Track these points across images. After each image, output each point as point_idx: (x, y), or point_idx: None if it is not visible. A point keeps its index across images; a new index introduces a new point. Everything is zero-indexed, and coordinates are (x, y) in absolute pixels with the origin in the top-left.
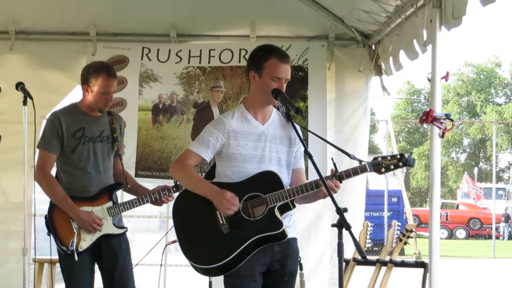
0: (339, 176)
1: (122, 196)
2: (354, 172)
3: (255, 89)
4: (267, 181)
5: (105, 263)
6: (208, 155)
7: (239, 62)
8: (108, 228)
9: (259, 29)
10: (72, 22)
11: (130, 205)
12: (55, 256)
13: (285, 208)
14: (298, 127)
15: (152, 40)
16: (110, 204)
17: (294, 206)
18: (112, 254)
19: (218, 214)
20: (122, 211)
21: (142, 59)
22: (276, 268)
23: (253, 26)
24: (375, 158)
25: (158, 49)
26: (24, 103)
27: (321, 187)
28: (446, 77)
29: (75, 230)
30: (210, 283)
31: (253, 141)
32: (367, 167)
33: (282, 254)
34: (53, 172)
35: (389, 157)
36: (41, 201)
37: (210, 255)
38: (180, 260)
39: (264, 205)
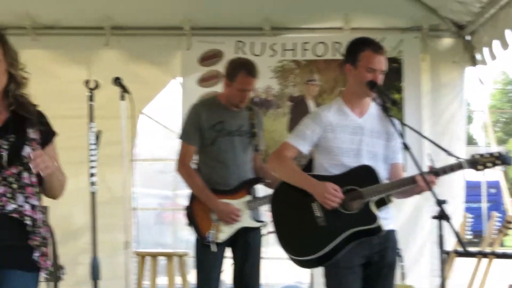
0: (436, 172)
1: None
2: (450, 169)
3: (352, 82)
4: (364, 175)
5: (238, 255)
6: (305, 148)
7: (333, 55)
8: (246, 221)
9: (353, 21)
10: (167, 17)
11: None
12: (158, 249)
13: (381, 203)
14: (396, 121)
15: (246, 34)
16: (249, 197)
17: (390, 201)
18: (246, 248)
19: (314, 206)
20: (261, 205)
21: (236, 53)
22: (375, 260)
23: (347, 18)
24: (472, 156)
25: (253, 43)
26: (122, 98)
27: (418, 182)
28: None
29: (214, 222)
30: (312, 275)
31: (350, 134)
32: (464, 164)
33: (381, 246)
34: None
35: (487, 155)
36: (142, 195)
37: (306, 247)
38: (280, 253)
39: (360, 199)
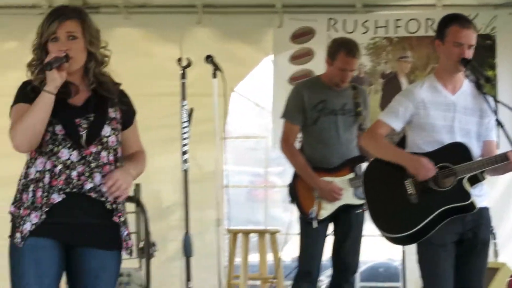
0: None
1: None
2: None
3: (442, 58)
4: (457, 152)
5: (339, 232)
6: (398, 125)
7: (426, 32)
8: (349, 198)
9: None
10: None
11: None
12: (249, 227)
13: (474, 180)
14: (490, 98)
15: (338, 11)
16: (352, 175)
17: (483, 178)
18: (348, 224)
19: (407, 183)
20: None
21: (328, 30)
22: (468, 237)
23: None
24: None
25: (345, 20)
26: (214, 75)
27: (511, 159)
28: None
29: (316, 199)
30: (404, 252)
31: (443, 111)
32: None
33: (474, 223)
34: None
35: None
36: (233, 172)
37: (399, 224)
38: (372, 230)
39: (453, 176)
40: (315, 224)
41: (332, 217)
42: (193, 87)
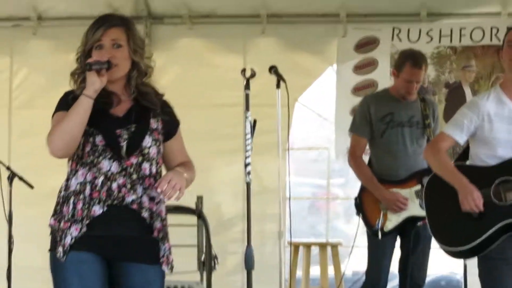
0: None
1: None
2: None
3: (506, 68)
4: None
5: (406, 243)
6: (462, 138)
7: (491, 40)
8: (415, 210)
9: (511, 5)
10: (323, 4)
11: None
12: (311, 239)
13: None
14: None
15: (402, 20)
16: (418, 187)
17: None
18: (415, 237)
19: None
20: None
21: (392, 39)
22: None
23: (505, 3)
24: None
25: (409, 29)
26: (278, 86)
27: None
28: None
29: (381, 211)
30: (465, 266)
31: (508, 124)
32: None
33: None
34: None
35: None
36: (295, 184)
37: (458, 237)
38: (433, 243)
39: None
40: (380, 236)
41: (399, 230)
42: (256, 98)
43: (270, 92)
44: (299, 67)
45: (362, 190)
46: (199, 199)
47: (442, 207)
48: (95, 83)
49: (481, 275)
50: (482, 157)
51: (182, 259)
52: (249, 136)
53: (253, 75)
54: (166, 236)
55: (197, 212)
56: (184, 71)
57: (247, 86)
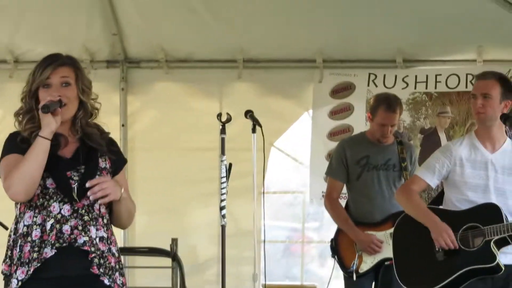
0: None
1: None
2: None
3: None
4: (489, 213)
5: (381, 286)
6: (434, 181)
7: (466, 87)
8: (390, 252)
9: (486, 53)
10: (299, 50)
11: None
12: (286, 282)
13: (503, 243)
14: None
15: (378, 66)
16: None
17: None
18: (389, 279)
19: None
20: None
21: (368, 85)
22: None
23: (480, 50)
24: None
25: (385, 75)
26: (253, 130)
27: None
28: None
29: (357, 253)
30: None
31: (478, 170)
32: None
33: (504, 281)
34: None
35: None
36: (270, 227)
37: (422, 280)
38: None
39: (482, 237)
40: (355, 278)
41: (374, 272)
42: (232, 142)
43: (246, 136)
44: (275, 112)
45: (338, 232)
46: (174, 241)
47: (409, 249)
48: (50, 124)
49: None
50: (453, 201)
51: None
52: (224, 179)
53: (229, 119)
54: (119, 272)
55: (172, 254)
56: (160, 115)
57: (223, 131)
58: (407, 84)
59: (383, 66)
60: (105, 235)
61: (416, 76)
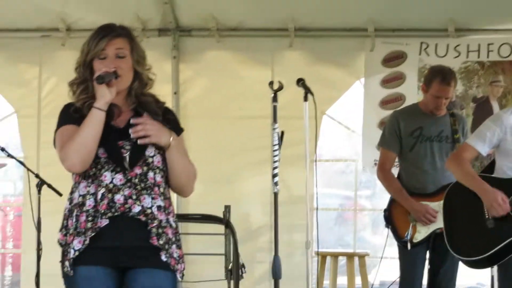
0: None
1: None
2: None
3: None
4: None
5: (435, 258)
6: (485, 149)
7: None
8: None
9: None
10: (351, 18)
11: None
12: (338, 250)
13: None
14: None
15: (430, 35)
16: None
17: None
18: (444, 249)
19: (485, 208)
20: None
21: (420, 54)
22: None
23: None
24: None
25: (436, 44)
26: (305, 99)
27: None
28: None
29: (410, 223)
30: (492, 277)
31: None
32: None
33: None
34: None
35: None
36: (323, 195)
37: (472, 247)
38: None
39: None
40: (409, 247)
41: (428, 242)
42: (284, 110)
43: (297, 105)
44: (327, 80)
45: (391, 202)
46: (227, 208)
47: (460, 217)
48: (105, 95)
49: (500, 285)
50: (505, 169)
51: (209, 268)
52: (276, 147)
53: (280, 87)
54: (176, 244)
55: (225, 221)
56: (211, 84)
57: (274, 99)
58: (459, 53)
59: (435, 35)
60: (162, 204)
61: (468, 45)
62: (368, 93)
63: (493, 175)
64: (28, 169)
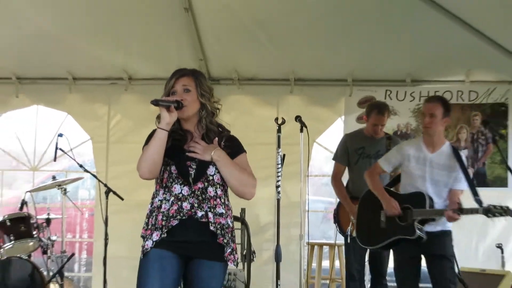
0: (460, 210)
1: None
2: (470, 211)
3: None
4: (417, 199)
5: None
6: (389, 169)
7: (457, 100)
8: None
9: (472, 75)
10: (335, 72)
11: None
12: (323, 241)
13: (424, 221)
14: (463, 157)
15: (393, 85)
16: None
17: (433, 220)
18: None
19: (382, 212)
20: None
21: (385, 98)
22: (425, 252)
23: (468, 73)
24: (488, 205)
25: (397, 91)
26: (301, 130)
27: (445, 216)
28: None
29: (351, 221)
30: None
31: (421, 165)
32: (479, 211)
33: (427, 242)
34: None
35: (498, 207)
36: (312, 201)
37: (368, 239)
38: None
39: (410, 216)
40: (349, 240)
41: None
42: (285, 139)
43: (295, 135)
44: (317, 117)
45: (339, 205)
46: (243, 210)
47: (366, 215)
48: (165, 118)
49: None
50: (405, 185)
51: None
52: (279, 166)
53: (283, 122)
54: (232, 240)
55: (241, 219)
56: (234, 118)
57: (279, 130)
58: (414, 98)
59: (396, 84)
60: (222, 211)
61: (420, 92)
62: (346, 126)
63: (392, 189)
64: (99, 181)
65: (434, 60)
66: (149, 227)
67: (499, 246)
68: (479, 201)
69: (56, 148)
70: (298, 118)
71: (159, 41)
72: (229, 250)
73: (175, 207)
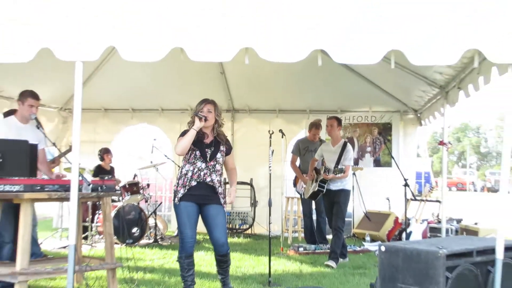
0: (327, 172)
1: None
2: (330, 171)
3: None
4: (326, 169)
5: (316, 203)
6: (319, 158)
7: (365, 120)
8: (316, 187)
9: (373, 107)
10: (300, 105)
11: None
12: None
13: (323, 181)
14: (347, 148)
15: (331, 112)
16: (317, 177)
17: (326, 181)
18: (318, 200)
19: (312, 181)
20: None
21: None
22: (333, 200)
23: (370, 106)
24: (335, 167)
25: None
26: (282, 137)
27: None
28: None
29: (303, 186)
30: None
31: (329, 155)
32: (335, 171)
33: (334, 195)
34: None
35: (338, 169)
36: (287, 175)
37: (307, 194)
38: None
39: (316, 179)
40: (301, 196)
41: (311, 197)
42: (273, 142)
43: (279, 140)
44: (291, 131)
45: (295, 178)
46: (251, 180)
47: (308, 184)
48: (197, 124)
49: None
50: (327, 163)
51: (243, 202)
52: (271, 156)
53: (272, 133)
54: (221, 195)
55: (250, 184)
56: (245, 134)
57: (270, 137)
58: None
59: (332, 112)
60: (219, 178)
61: (344, 117)
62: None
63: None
64: (174, 162)
65: (353, 99)
66: (179, 185)
67: (387, 198)
68: (336, 167)
69: (152, 147)
70: (280, 131)
71: (205, 92)
72: (223, 200)
73: (196, 175)
